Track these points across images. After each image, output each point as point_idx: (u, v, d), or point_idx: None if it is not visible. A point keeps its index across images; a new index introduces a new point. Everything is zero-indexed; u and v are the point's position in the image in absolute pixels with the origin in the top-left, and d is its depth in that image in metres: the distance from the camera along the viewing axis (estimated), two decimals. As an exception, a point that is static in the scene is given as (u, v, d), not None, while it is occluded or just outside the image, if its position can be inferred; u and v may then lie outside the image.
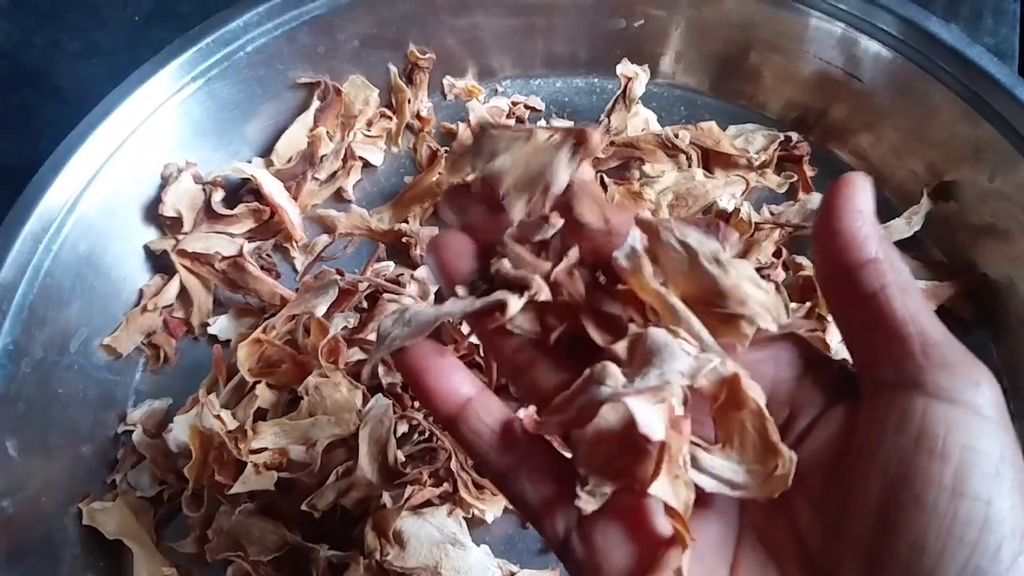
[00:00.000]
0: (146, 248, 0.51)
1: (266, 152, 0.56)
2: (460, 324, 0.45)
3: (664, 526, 0.23)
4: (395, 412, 0.43)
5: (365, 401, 0.44)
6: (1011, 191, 0.47)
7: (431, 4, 0.55)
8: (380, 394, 0.44)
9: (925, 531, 0.20)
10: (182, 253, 0.50)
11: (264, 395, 0.46)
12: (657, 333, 0.22)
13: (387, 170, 0.57)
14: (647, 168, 0.54)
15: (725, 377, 0.22)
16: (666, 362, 0.22)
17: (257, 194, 0.53)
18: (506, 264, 0.25)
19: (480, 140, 0.26)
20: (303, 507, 0.41)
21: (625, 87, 0.54)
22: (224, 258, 0.50)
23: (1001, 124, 0.47)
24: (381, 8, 0.54)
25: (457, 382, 0.26)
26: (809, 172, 0.54)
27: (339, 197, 0.56)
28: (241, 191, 0.54)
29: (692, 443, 0.23)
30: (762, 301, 0.22)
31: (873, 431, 0.21)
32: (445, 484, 0.43)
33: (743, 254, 0.23)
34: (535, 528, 0.25)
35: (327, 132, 0.55)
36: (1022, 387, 0.46)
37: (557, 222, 0.25)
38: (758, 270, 0.39)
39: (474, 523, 0.44)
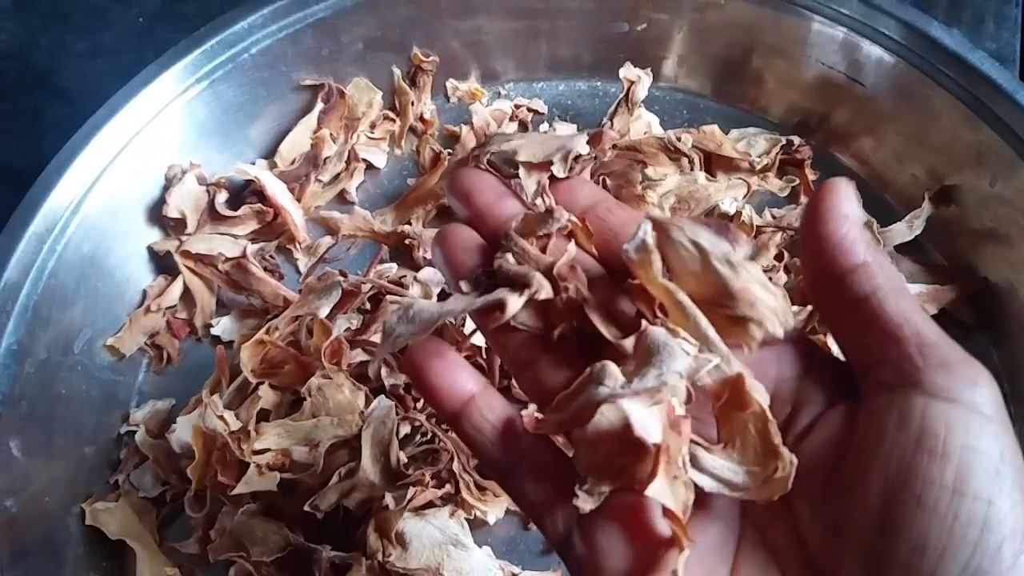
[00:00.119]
0: (150, 249, 0.52)
1: (270, 154, 0.56)
2: (463, 324, 0.45)
3: (663, 526, 0.23)
4: (398, 413, 0.43)
5: (368, 402, 0.44)
6: (1012, 196, 0.47)
7: (435, 7, 0.55)
8: (383, 395, 0.44)
9: (926, 531, 0.20)
10: (186, 254, 0.51)
11: (267, 396, 0.46)
12: (657, 332, 0.22)
13: (390, 172, 0.57)
14: (650, 171, 0.54)
15: (729, 377, 0.22)
16: (665, 362, 0.22)
17: (261, 196, 0.53)
18: (509, 260, 0.25)
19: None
20: (306, 508, 0.41)
21: (628, 91, 0.55)
22: (227, 259, 0.50)
23: (1002, 129, 0.47)
24: (385, 11, 0.54)
25: (461, 379, 0.26)
26: (811, 176, 0.54)
27: (342, 199, 0.56)
28: (245, 192, 0.54)
29: (693, 442, 0.23)
30: (771, 305, 0.22)
31: (873, 431, 0.21)
32: (447, 485, 0.43)
33: (752, 257, 0.23)
34: (536, 526, 0.25)
35: (331, 134, 0.55)
36: (1022, 390, 0.46)
37: (561, 215, 0.25)
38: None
39: (476, 524, 0.44)
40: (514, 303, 0.24)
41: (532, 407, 0.25)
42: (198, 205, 0.52)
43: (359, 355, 0.47)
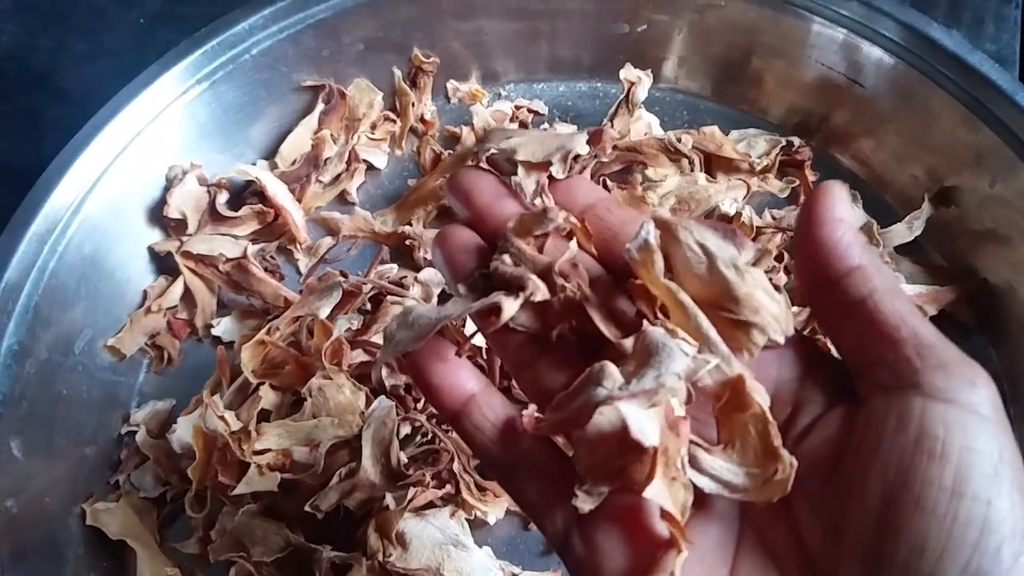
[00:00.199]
0: (150, 250, 0.52)
1: (270, 154, 0.56)
2: (463, 325, 0.45)
3: (663, 527, 0.23)
4: (398, 414, 0.43)
5: (368, 403, 0.44)
6: (1012, 197, 0.47)
7: (436, 8, 0.55)
8: (383, 396, 0.44)
9: (925, 532, 0.20)
10: (186, 255, 0.51)
11: (268, 396, 0.46)
12: (656, 332, 0.22)
13: (391, 173, 0.57)
14: (650, 172, 0.54)
15: (730, 378, 0.22)
16: (663, 363, 0.22)
17: (261, 196, 0.53)
18: (505, 261, 0.25)
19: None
20: (306, 508, 0.41)
21: (628, 91, 0.55)
22: (228, 260, 0.50)
23: (1002, 130, 0.47)
24: (385, 12, 0.54)
25: (462, 378, 0.26)
26: (811, 177, 0.55)
27: (343, 200, 0.56)
28: (245, 193, 0.54)
29: (692, 443, 0.23)
30: (774, 312, 0.22)
31: (872, 432, 0.21)
32: (448, 486, 0.43)
33: (756, 262, 0.23)
34: (536, 525, 0.25)
35: (331, 135, 0.55)
36: (1022, 391, 0.47)
37: (558, 215, 0.25)
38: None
39: (476, 525, 0.44)
40: (510, 306, 0.24)
41: (532, 407, 0.25)
42: (199, 206, 0.52)
43: (360, 356, 0.47)
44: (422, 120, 0.58)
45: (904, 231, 0.51)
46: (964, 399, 0.20)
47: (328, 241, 0.54)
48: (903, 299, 0.22)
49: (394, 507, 0.41)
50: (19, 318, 0.44)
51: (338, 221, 0.54)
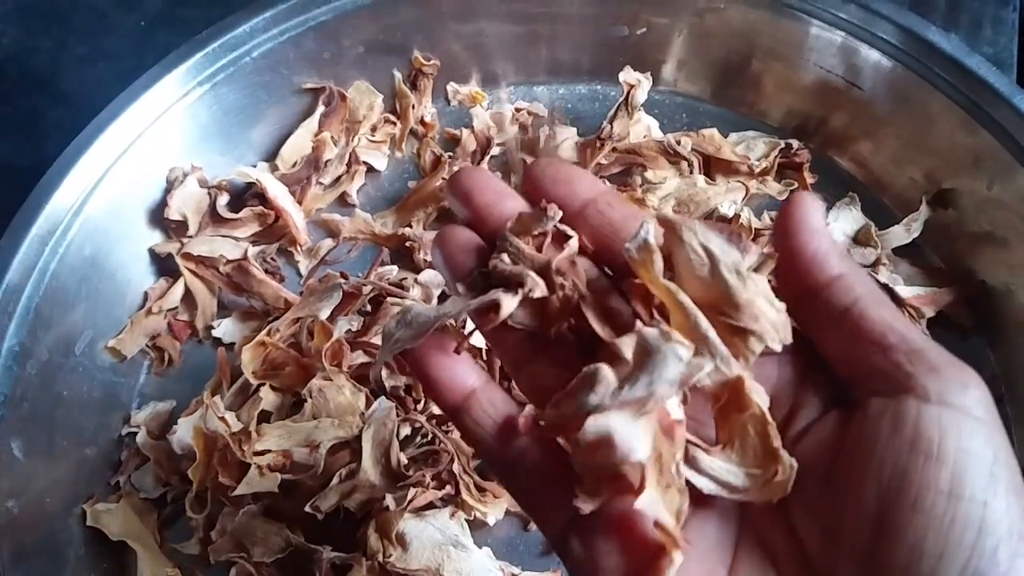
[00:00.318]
0: (151, 251, 0.52)
1: (271, 156, 0.56)
2: (463, 325, 0.45)
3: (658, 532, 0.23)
4: (398, 415, 0.43)
5: (368, 404, 0.44)
6: (1009, 199, 0.47)
7: (436, 11, 0.55)
8: (383, 397, 0.44)
9: (923, 534, 0.20)
10: (187, 256, 0.51)
11: (268, 397, 0.46)
12: (650, 334, 0.22)
13: (391, 175, 0.57)
14: (649, 174, 0.54)
15: (729, 379, 0.22)
16: (657, 368, 0.21)
17: (262, 198, 0.53)
18: (504, 259, 0.25)
19: None
20: (306, 509, 0.41)
21: (627, 94, 0.55)
22: (229, 261, 0.50)
23: (1000, 133, 0.47)
24: (386, 14, 0.54)
25: (462, 372, 0.26)
26: (809, 179, 0.55)
27: (343, 201, 0.56)
28: (246, 195, 0.54)
29: (692, 443, 0.23)
30: (773, 320, 0.22)
31: (867, 436, 0.21)
32: (448, 486, 0.43)
33: (758, 268, 0.23)
34: (535, 524, 0.25)
35: (332, 137, 0.56)
36: (1019, 393, 0.47)
37: (556, 213, 0.25)
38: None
39: (476, 525, 0.44)
40: (508, 303, 0.24)
41: (529, 408, 0.25)
42: (199, 207, 0.52)
43: (360, 357, 0.47)
44: (422, 122, 0.58)
45: (902, 233, 0.51)
46: (957, 402, 0.20)
47: (328, 243, 0.54)
48: (887, 305, 0.22)
49: (394, 508, 0.41)
50: (20, 319, 0.44)
51: (338, 223, 0.54)
